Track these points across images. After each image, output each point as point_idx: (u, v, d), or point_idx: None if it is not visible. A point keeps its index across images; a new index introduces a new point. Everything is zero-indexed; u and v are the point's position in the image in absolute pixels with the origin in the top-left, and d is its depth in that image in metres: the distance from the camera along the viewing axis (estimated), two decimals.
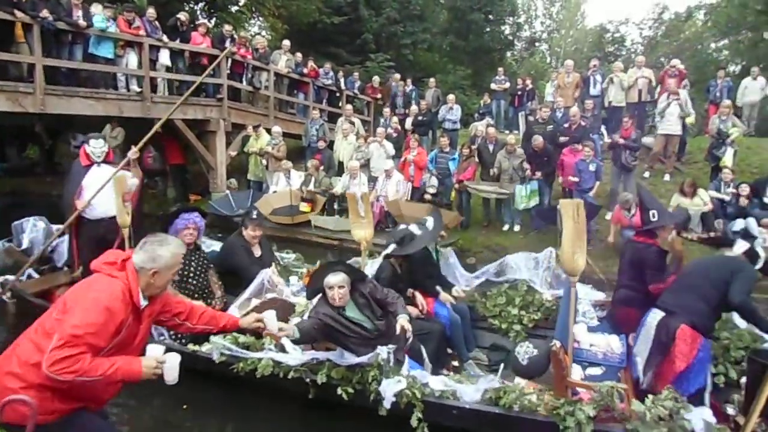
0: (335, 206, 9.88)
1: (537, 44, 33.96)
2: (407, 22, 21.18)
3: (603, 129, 10.49)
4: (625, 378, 3.79)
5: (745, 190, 8.01)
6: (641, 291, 4.15)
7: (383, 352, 3.42)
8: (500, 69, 14.53)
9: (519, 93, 12.97)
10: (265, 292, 4.66)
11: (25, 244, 5.78)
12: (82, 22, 8.60)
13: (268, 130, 10.99)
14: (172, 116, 10.11)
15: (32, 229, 5.88)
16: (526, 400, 3.11)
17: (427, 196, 9.07)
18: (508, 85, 13.41)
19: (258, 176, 10.93)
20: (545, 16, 37.18)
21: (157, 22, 9.82)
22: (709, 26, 27.04)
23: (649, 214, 4.27)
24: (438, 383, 3.37)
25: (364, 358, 3.44)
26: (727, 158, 8.71)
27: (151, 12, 9.78)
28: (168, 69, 10.11)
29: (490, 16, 23.99)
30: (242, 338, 3.83)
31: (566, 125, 9.41)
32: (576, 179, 8.30)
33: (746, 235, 6.97)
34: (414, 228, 4.78)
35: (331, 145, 11.30)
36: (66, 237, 5.58)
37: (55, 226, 5.82)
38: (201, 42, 10.50)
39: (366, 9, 19.91)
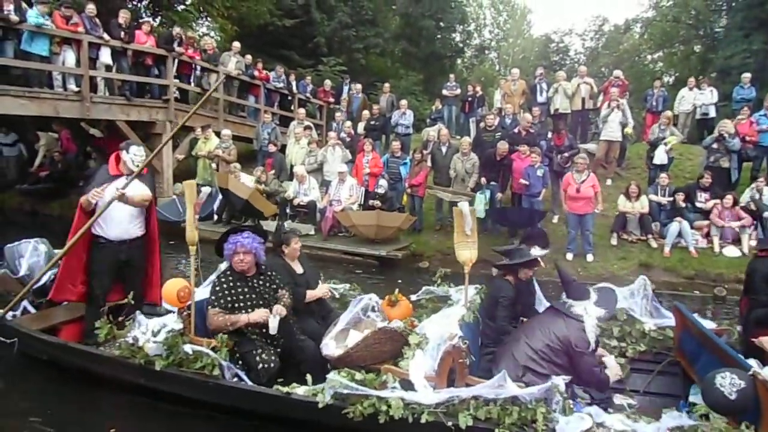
0: (287, 210, 9.72)
1: (486, 52, 34.88)
2: (359, 26, 21.22)
3: (550, 135, 10.85)
4: None
5: (680, 194, 8.48)
6: None
7: (560, 382, 2.91)
8: (451, 75, 14.78)
9: (469, 99, 13.22)
10: (360, 322, 4.04)
11: (22, 271, 4.77)
12: (13, 17, 8.10)
13: (218, 133, 10.70)
14: (113, 117, 9.80)
15: (32, 253, 4.87)
16: None
17: (376, 201, 9.04)
18: (459, 91, 13.65)
19: (206, 180, 10.62)
20: (494, 24, 38.26)
21: (97, 19, 9.37)
22: (645, 39, 28.62)
23: None
24: (615, 422, 2.89)
25: (533, 390, 2.90)
26: (663, 160, 9.21)
27: (90, 8, 9.30)
28: (109, 68, 9.67)
29: (441, 23, 24.42)
30: (358, 375, 3.19)
31: (516, 131, 9.68)
32: (527, 182, 8.53)
33: None
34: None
35: (283, 149, 11.14)
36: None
37: (57, 251, 4.73)
38: (145, 41, 10.10)
39: (318, 12, 19.80)
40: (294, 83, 13.65)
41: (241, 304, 3.65)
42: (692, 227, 8.24)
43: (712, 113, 11.34)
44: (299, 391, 3.21)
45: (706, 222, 8.35)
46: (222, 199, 9.94)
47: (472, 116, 12.85)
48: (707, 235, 8.29)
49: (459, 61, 29.05)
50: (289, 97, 13.58)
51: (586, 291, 3.66)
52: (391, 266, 8.50)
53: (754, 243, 8.04)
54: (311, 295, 4.25)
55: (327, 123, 12.11)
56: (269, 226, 9.41)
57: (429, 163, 9.79)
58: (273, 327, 3.56)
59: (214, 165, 10.47)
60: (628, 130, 10.12)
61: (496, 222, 9.03)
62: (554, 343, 3.35)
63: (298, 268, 4.37)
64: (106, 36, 9.34)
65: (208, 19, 19.53)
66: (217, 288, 3.67)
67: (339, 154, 10.16)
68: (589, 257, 8.19)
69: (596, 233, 8.48)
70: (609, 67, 25.30)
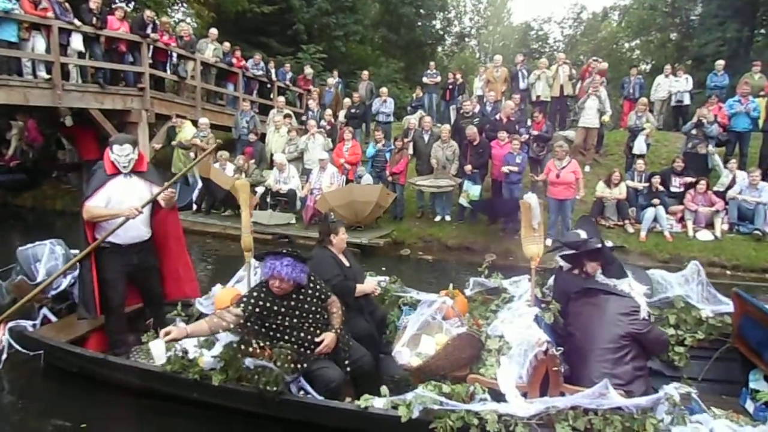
0: (268, 200, 9.65)
1: (466, 39, 34.91)
2: (339, 13, 21.00)
3: (530, 122, 10.94)
4: None
5: (657, 178, 8.64)
6: None
7: (673, 392, 2.73)
8: (431, 63, 14.75)
9: (450, 87, 13.21)
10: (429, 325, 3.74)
11: (40, 277, 4.35)
12: None
13: (195, 122, 10.52)
14: (86, 106, 9.56)
15: (49, 257, 4.47)
16: None
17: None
18: (439, 79, 13.64)
19: (182, 169, 10.41)
20: (474, 12, 38.22)
21: (67, 4, 9.09)
22: (622, 26, 28.90)
23: None
24: (723, 428, 2.76)
25: (640, 400, 2.72)
26: (642, 150, 9.36)
27: None
28: (81, 55, 9.41)
29: (421, 11, 24.36)
30: (445, 387, 2.97)
31: (497, 117, 9.72)
32: (514, 168, 8.56)
33: None
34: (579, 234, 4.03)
35: (262, 137, 11.02)
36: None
37: (74, 251, 4.42)
38: (118, 27, 9.85)
39: None
40: (273, 71, 13.48)
41: (273, 321, 3.31)
42: (667, 212, 8.41)
43: (687, 100, 11.53)
44: (377, 404, 3.02)
45: (680, 207, 8.53)
46: (202, 188, 9.81)
47: (452, 104, 12.86)
48: (681, 220, 8.47)
49: (439, 48, 29.06)
50: (269, 85, 13.41)
51: (624, 270, 3.64)
52: (373, 254, 8.51)
53: (726, 227, 8.28)
54: (360, 290, 3.96)
55: (306, 111, 12.01)
56: (252, 215, 9.34)
57: (410, 151, 9.80)
58: (158, 354, 3.24)
59: (192, 154, 10.30)
60: (606, 118, 10.25)
61: (480, 212, 9.08)
62: (620, 337, 3.15)
63: (345, 261, 4.07)
64: (77, 22, 9.07)
65: (184, 5, 19.13)
66: (248, 295, 3.38)
67: (320, 142, 10.09)
68: None
69: (575, 219, 8.60)
70: (587, 54, 25.49)
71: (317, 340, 3.34)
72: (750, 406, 3.44)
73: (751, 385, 3.58)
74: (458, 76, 13.59)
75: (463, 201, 8.97)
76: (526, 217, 3.95)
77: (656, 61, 24.58)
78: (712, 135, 9.06)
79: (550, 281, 4.23)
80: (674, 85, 11.57)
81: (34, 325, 4.26)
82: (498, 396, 2.92)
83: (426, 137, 9.60)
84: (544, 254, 4.05)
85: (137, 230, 4.03)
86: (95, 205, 3.92)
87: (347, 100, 12.13)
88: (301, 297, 3.38)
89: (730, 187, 8.49)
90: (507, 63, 13.58)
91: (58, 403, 3.90)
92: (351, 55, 22.07)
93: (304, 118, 11.89)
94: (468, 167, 8.87)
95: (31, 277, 4.36)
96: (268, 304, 3.29)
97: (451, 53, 32.21)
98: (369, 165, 9.77)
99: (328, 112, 11.37)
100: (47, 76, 8.82)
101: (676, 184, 8.65)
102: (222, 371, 3.33)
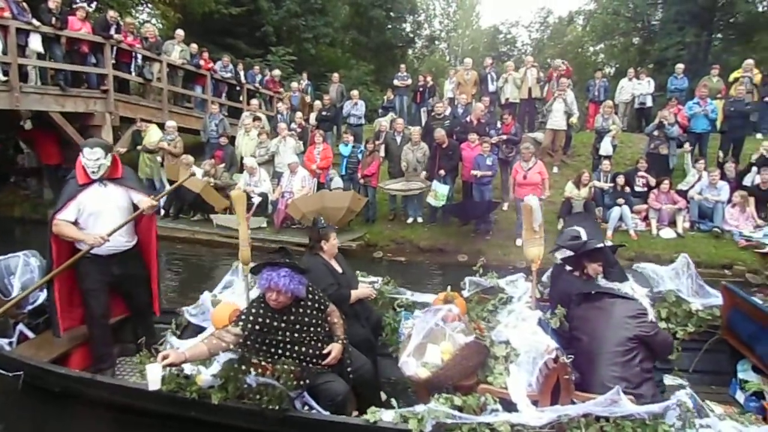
0: None
1: (436, 42, 35.19)
2: (308, 15, 20.90)
3: (499, 125, 11.09)
4: None
5: (621, 177, 8.88)
6: None
7: (685, 398, 2.75)
8: (402, 66, 14.80)
9: (420, 89, 13.29)
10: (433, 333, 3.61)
11: (15, 290, 4.09)
12: None
13: (162, 125, 10.30)
14: (45, 109, 9.24)
15: (24, 270, 4.22)
16: None
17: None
18: (410, 81, 13.71)
19: (148, 174, 10.20)
20: (443, 15, 38.57)
21: (25, 4, 8.78)
22: (587, 31, 29.62)
23: None
24: (729, 429, 2.81)
25: (653, 407, 2.72)
26: (608, 151, 9.61)
27: None
28: (41, 56, 9.10)
29: (391, 13, 24.46)
30: (457, 399, 2.94)
31: (467, 120, 9.82)
32: (487, 172, 8.66)
33: None
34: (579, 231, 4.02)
35: (233, 140, 10.86)
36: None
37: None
38: (80, 27, 9.56)
39: (266, 1, 19.35)
40: (242, 73, 13.31)
41: (273, 337, 3.16)
42: (632, 211, 8.65)
43: (649, 103, 11.89)
44: (386, 417, 2.94)
45: (644, 206, 8.78)
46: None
47: (423, 106, 12.94)
48: (645, 219, 8.72)
49: (410, 51, 29.21)
50: (238, 88, 13.23)
51: (625, 274, 3.64)
52: (346, 256, 8.38)
53: (687, 225, 8.56)
54: (355, 296, 3.85)
55: (276, 114, 11.89)
56: (221, 220, 9.20)
57: (382, 154, 9.81)
58: (153, 379, 2.92)
59: (159, 158, 10.08)
60: (573, 120, 10.48)
61: (451, 215, 9.14)
62: (628, 340, 3.14)
63: (337, 267, 3.93)
64: (35, 22, 8.78)
65: (149, 5, 18.72)
66: (246, 312, 3.21)
67: (291, 145, 10.01)
68: None
69: (544, 219, 8.71)
70: (554, 58, 26.07)
71: (324, 352, 3.24)
72: (740, 396, 3.56)
73: (740, 375, 3.68)
74: (429, 78, 13.69)
75: (431, 200, 9.00)
76: (527, 219, 3.95)
77: (620, 65, 25.30)
78: (673, 136, 9.37)
79: (545, 277, 4.25)
80: (637, 88, 11.92)
81: (10, 343, 4.02)
82: (509, 405, 2.89)
83: (398, 139, 9.63)
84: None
85: (115, 240, 3.80)
86: (65, 219, 3.67)
87: (318, 103, 12.06)
88: (301, 310, 3.23)
89: (693, 186, 8.79)
90: (477, 66, 13.76)
91: (40, 426, 3.71)
92: (321, 58, 21.99)
93: (275, 121, 11.78)
94: (441, 172, 8.91)
95: (5, 292, 4.10)
96: (267, 320, 3.15)
97: (422, 56, 32.42)
98: (342, 166, 9.72)
99: (299, 114, 11.28)
100: (4, 78, 8.51)
101: (640, 183, 8.91)
102: (221, 389, 3.19)
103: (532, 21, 35.09)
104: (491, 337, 3.49)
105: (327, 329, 3.34)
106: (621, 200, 8.58)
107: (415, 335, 3.51)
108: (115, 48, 10.10)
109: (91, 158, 3.71)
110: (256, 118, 10.96)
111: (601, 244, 3.71)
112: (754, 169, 8.83)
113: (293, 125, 10.80)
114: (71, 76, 9.74)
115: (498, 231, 8.89)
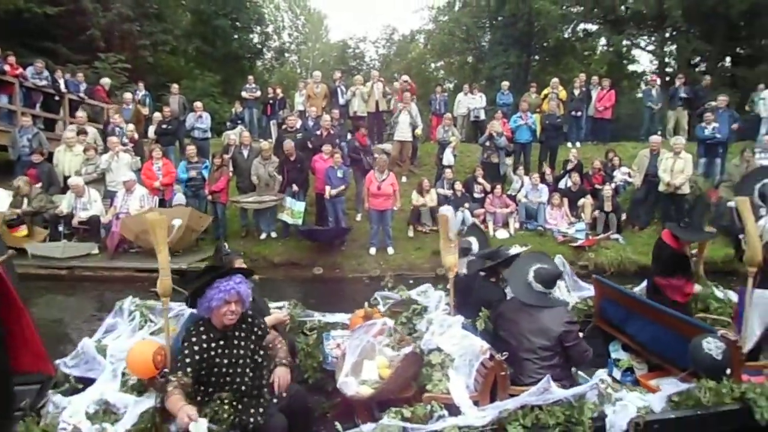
0: (60, 229, 8.31)
1: (286, 54, 34.92)
2: (143, 20, 19.33)
3: (350, 137, 11.33)
4: None
5: (458, 183, 9.66)
6: None
7: (605, 376, 3.00)
8: (250, 77, 14.43)
9: (270, 102, 13.06)
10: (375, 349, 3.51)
11: None
12: None
13: None
14: None
15: None
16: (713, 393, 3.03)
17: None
18: (259, 93, 13.38)
19: None
20: (292, 28, 38.50)
21: None
22: (428, 48, 31.81)
23: None
24: (636, 399, 3.05)
25: (580, 389, 2.99)
26: (450, 161, 10.36)
27: None
28: None
29: (238, 23, 23.66)
30: (406, 411, 2.85)
31: (318, 132, 9.84)
32: (340, 188, 8.74)
33: None
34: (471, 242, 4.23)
35: (50, 157, 9.50)
36: None
37: None
38: None
39: (90, 1, 17.40)
40: (62, 81, 11.75)
41: (216, 369, 2.76)
42: (472, 215, 9.41)
43: (483, 116, 13.08)
44: None
45: (482, 210, 9.62)
46: None
47: (273, 119, 12.72)
48: (484, 221, 9.55)
49: (259, 62, 28.55)
50: (57, 97, 11.65)
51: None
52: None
53: (517, 225, 9.57)
54: (269, 322, 3.59)
55: (105, 127, 10.65)
56: (40, 249, 7.98)
57: (231, 168, 9.36)
58: None
59: None
60: (418, 131, 11.13)
61: (304, 238, 9.01)
62: (553, 346, 3.37)
63: None
64: None
65: None
66: (187, 349, 2.74)
67: (126, 161, 9.08)
68: (390, 250, 8.79)
69: (395, 227, 9.13)
70: (400, 72, 27.48)
71: (271, 381, 2.96)
72: (617, 373, 3.99)
73: (613, 355, 4.14)
74: (279, 90, 13.53)
75: (287, 218, 8.85)
76: (443, 229, 4.01)
77: (457, 81, 27.54)
78: (501, 146, 10.43)
79: (448, 285, 4.31)
80: (471, 102, 13.07)
81: None
82: (454, 410, 2.96)
83: (246, 153, 9.30)
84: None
85: None
86: None
87: (157, 115, 11.14)
88: (242, 334, 2.89)
89: (519, 191, 9.88)
90: (326, 79, 13.91)
91: None
92: (161, 66, 20.46)
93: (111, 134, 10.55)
94: (294, 187, 8.77)
95: None
96: (205, 355, 2.74)
97: (272, 68, 31.89)
98: (184, 185, 9.07)
99: (130, 127, 10.25)
100: None
101: (477, 190, 9.76)
102: None
103: (378, 37, 36.69)
104: (420, 346, 3.52)
105: (265, 354, 3.03)
106: (466, 205, 9.28)
107: (349, 354, 3.45)
108: None
109: None
110: (81, 132, 9.74)
111: (516, 252, 4.00)
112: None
113: (125, 139, 9.78)
114: None
115: (352, 241, 9.04)
